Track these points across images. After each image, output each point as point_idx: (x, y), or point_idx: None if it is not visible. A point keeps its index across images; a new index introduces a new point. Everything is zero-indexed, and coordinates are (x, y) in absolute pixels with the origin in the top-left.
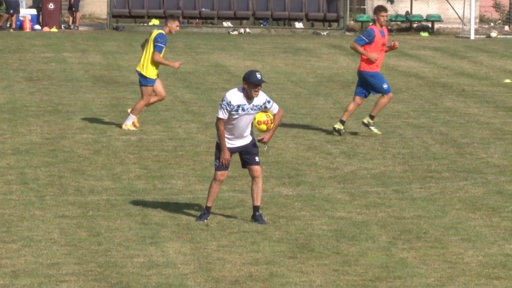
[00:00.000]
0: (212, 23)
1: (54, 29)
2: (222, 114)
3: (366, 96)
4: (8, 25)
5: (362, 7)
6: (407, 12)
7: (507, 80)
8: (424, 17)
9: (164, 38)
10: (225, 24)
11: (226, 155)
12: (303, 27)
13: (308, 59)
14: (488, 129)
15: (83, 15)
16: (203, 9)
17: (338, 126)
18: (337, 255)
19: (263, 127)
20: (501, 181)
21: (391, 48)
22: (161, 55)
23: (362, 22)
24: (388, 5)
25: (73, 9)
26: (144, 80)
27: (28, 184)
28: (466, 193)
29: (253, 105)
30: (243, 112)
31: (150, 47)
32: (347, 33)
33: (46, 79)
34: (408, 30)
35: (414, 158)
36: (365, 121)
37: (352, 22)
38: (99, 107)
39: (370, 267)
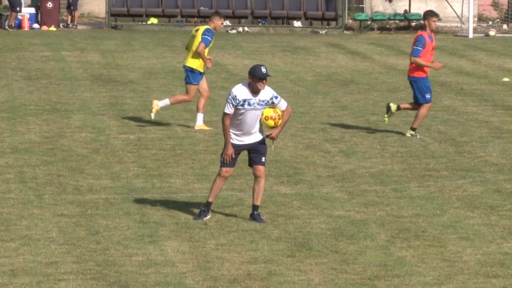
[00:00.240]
0: None
1: (52, 28)
2: (228, 109)
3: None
4: (6, 23)
5: (360, 5)
6: (405, 10)
7: (506, 79)
8: (423, 16)
9: (212, 33)
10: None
11: (229, 150)
12: (301, 25)
13: (306, 58)
14: (487, 128)
15: (81, 14)
16: (202, 7)
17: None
18: (336, 253)
19: (271, 122)
20: (500, 179)
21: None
22: (206, 51)
23: (361, 20)
24: (386, 4)
25: (72, 8)
26: (192, 76)
27: (26, 182)
28: (465, 191)
29: (259, 100)
30: (249, 107)
31: (197, 40)
32: (345, 31)
33: (45, 78)
34: (406, 28)
35: (413, 157)
36: (408, 134)
37: (350, 20)
38: (97, 105)
39: (369, 266)
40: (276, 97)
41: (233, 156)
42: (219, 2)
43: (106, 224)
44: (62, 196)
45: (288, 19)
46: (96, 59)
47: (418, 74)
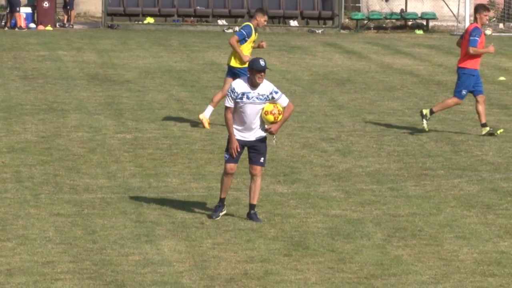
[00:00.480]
0: (207, 21)
1: (49, 28)
2: (228, 102)
3: (481, 91)
4: (3, 23)
5: (357, 5)
6: (402, 10)
7: (502, 78)
8: (419, 15)
9: (248, 29)
10: (220, 22)
11: (234, 143)
12: (298, 25)
13: (303, 57)
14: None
15: (78, 13)
16: (198, 7)
17: (484, 130)
18: (332, 252)
19: (270, 117)
20: (496, 178)
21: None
22: (247, 49)
23: (357, 20)
24: (383, 3)
25: (68, 7)
26: (234, 70)
27: (23, 182)
28: (461, 190)
29: (258, 93)
30: (248, 100)
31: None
32: (342, 31)
33: (41, 77)
34: (403, 28)
35: (409, 156)
36: (424, 112)
37: (347, 20)
38: (94, 105)
39: (365, 265)
40: (276, 92)
41: (239, 150)
42: (215, 1)
43: (103, 223)
44: (59, 196)
45: (285, 18)
46: (92, 58)
47: (470, 65)
